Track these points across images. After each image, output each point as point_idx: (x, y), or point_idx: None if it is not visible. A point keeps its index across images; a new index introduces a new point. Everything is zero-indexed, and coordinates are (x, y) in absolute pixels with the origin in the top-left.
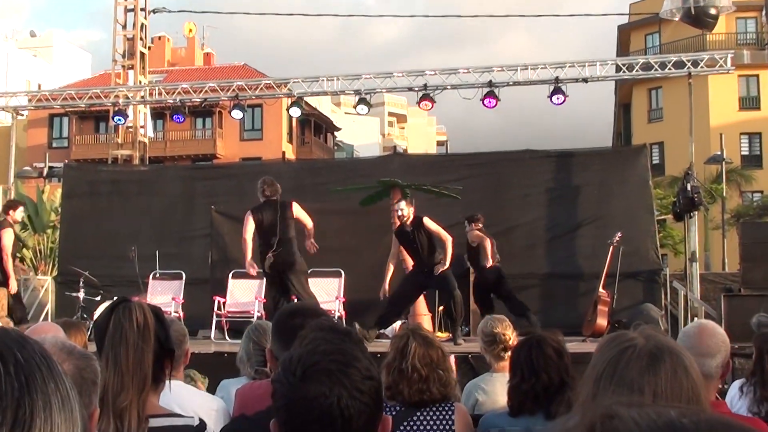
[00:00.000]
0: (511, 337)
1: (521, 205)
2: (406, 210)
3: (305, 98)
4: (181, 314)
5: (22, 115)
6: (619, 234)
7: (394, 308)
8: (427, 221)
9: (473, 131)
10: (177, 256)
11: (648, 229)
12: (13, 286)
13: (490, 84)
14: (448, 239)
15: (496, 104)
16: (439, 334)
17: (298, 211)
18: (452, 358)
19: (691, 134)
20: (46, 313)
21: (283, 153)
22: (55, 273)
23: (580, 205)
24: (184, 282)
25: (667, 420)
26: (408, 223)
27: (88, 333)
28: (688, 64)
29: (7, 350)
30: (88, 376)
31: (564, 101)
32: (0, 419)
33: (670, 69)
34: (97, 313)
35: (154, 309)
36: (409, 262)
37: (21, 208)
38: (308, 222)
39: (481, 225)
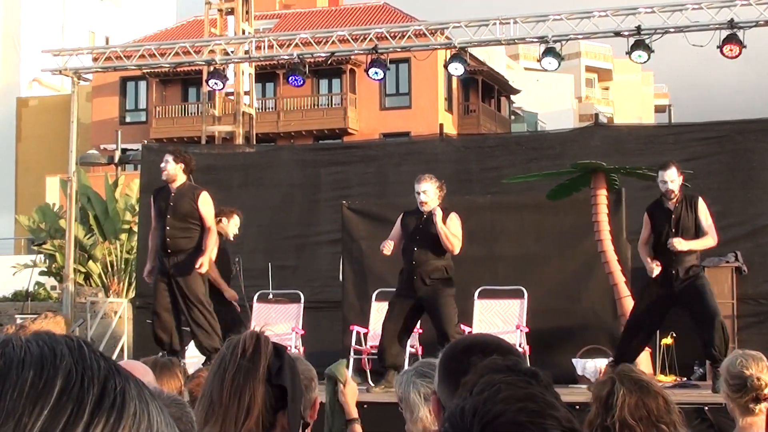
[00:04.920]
0: None
1: None
2: (674, 185)
3: (470, 50)
4: (302, 350)
5: (86, 80)
6: None
7: (632, 338)
8: (703, 204)
9: (707, 92)
10: (295, 270)
11: None
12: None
13: (731, 24)
14: (714, 236)
15: (740, 53)
16: (661, 377)
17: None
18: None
19: None
20: (121, 348)
21: (440, 126)
22: (132, 294)
23: None
24: (302, 305)
25: None
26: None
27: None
28: None
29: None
30: (184, 428)
31: None
32: (84, 396)
33: None
34: (189, 349)
35: (276, 344)
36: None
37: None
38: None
39: None
